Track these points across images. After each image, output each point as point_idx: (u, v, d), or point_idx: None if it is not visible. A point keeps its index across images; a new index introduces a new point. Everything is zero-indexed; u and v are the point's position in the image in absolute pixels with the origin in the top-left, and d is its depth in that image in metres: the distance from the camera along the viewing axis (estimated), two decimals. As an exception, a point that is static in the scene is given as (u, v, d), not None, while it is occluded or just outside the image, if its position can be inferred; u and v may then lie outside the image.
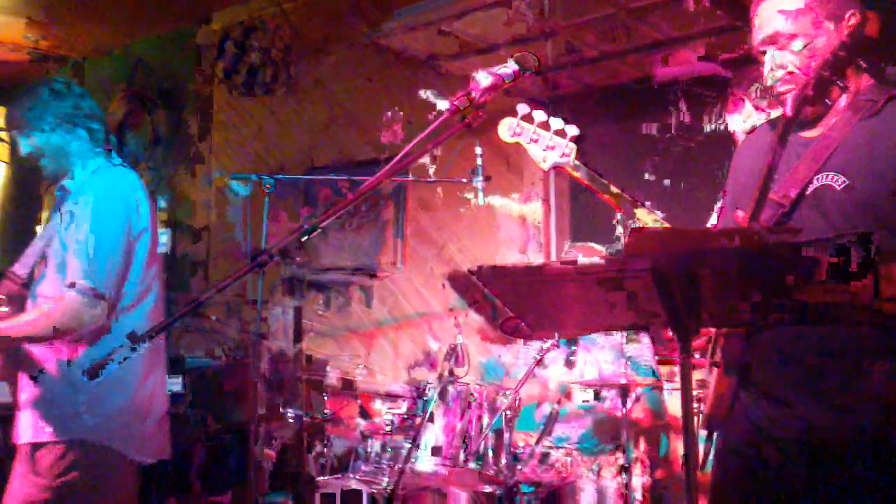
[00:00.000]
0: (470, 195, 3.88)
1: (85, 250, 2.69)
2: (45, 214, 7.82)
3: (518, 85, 2.33)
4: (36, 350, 2.77)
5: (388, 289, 5.82)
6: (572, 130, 2.43)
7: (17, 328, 2.73)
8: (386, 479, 3.66)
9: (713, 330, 2.26)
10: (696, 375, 2.75)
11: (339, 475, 3.78)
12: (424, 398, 3.55)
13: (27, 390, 2.78)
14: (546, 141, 2.42)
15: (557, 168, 2.46)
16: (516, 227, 5.31)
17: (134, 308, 2.82)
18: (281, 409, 3.87)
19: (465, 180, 4.04)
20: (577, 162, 2.43)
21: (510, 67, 2.18)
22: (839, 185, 2.11)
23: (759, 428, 2.18)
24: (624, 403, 3.55)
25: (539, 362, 3.67)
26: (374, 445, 3.75)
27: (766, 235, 1.75)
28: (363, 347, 5.77)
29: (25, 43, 7.56)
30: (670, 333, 1.86)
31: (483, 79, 2.17)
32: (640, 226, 2.25)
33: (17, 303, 2.84)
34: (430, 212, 5.69)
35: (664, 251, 1.75)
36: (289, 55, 6.30)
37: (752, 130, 2.51)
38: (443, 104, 5.42)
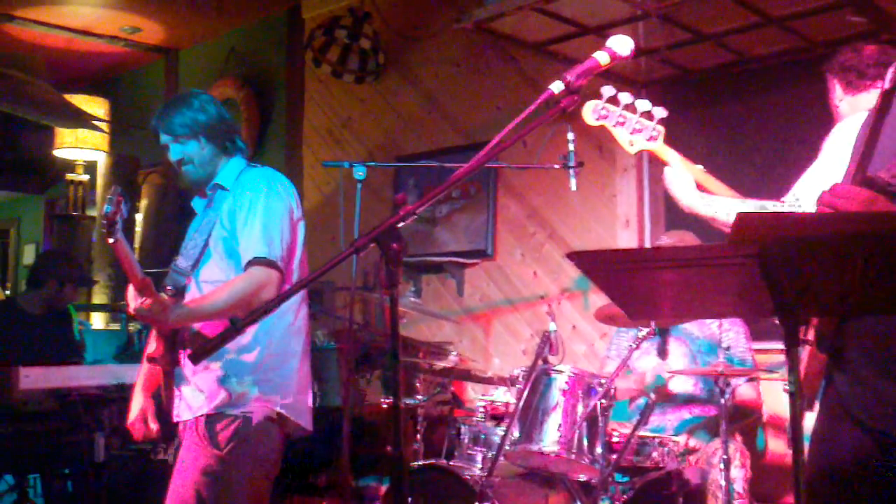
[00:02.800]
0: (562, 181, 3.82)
1: (261, 231, 2.87)
2: (143, 203, 8.03)
3: (612, 68, 2.27)
4: (207, 327, 2.92)
5: (479, 276, 5.82)
6: (660, 112, 2.37)
7: (208, 304, 2.87)
8: (480, 465, 3.67)
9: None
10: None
11: (434, 460, 3.80)
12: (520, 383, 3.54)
13: (194, 367, 2.92)
14: (632, 124, 2.37)
15: (646, 152, 2.40)
16: (608, 214, 5.25)
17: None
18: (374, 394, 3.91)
19: (556, 166, 4.00)
20: (665, 146, 2.38)
21: (606, 51, 2.13)
22: None
23: (850, 411, 2.13)
24: (721, 394, 3.47)
25: (634, 351, 3.62)
26: (469, 431, 3.76)
27: (884, 219, 1.68)
28: (454, 332, 5.79)
29: (122, 35, 7.77)
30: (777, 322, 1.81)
31: (578, 63, 2.13)
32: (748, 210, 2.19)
33: (183, 295, 2.99)
34: (520, 198, 5.66)
35: (772, 236, 1.70)
36: (377, 43, 6.32)
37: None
38: (536, 89, 5.37)
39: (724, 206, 2.34)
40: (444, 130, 6.08)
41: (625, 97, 2.37)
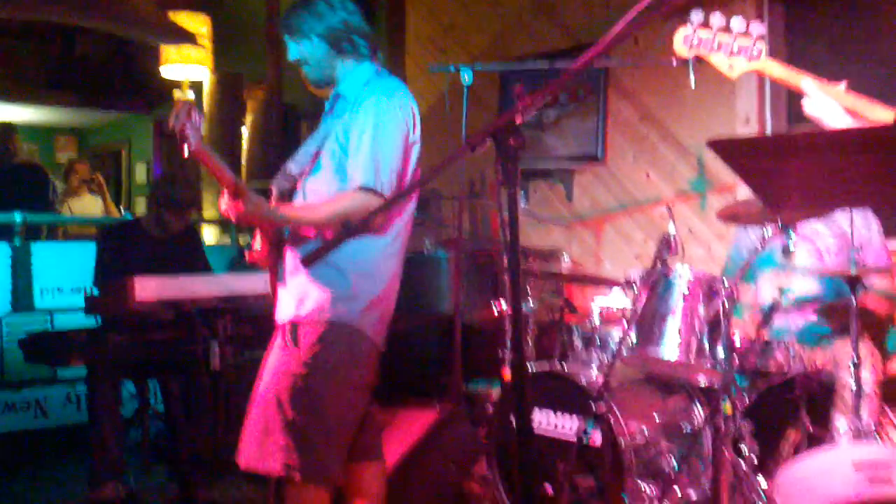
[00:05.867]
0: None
1: (369, 155, 2.84)
2: (249, 118, 8.07)
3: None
4: (308, 234, 2.94)
5: (588, 180, 5.68)
6: (757, 29, 2.18)
7: (309, 215, 2.90)
8: (596, 370, 3.60)
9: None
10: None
11: (549, 364, 3.74)
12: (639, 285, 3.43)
13: (293, 272, 2.93)
14: (730, 46, 2.19)
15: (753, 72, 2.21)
16: (727, 111, 5.01)
17: (403, 213, 2.98)
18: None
19: (674, 63, 3.79)
20: (770, 61, 2.19)
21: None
22: None
23: None
24: (852, 293, 3.29)
25: (759, 251, 3.45)
26: (582, 335, 3.69)
27: None
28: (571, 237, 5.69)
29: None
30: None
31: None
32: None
33: (289, 199, 3.01)
34: (632, 99, 5.46)
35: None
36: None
37: None
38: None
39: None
40: (552, 33, 5.89)
41: (716, 19, 2.18)
